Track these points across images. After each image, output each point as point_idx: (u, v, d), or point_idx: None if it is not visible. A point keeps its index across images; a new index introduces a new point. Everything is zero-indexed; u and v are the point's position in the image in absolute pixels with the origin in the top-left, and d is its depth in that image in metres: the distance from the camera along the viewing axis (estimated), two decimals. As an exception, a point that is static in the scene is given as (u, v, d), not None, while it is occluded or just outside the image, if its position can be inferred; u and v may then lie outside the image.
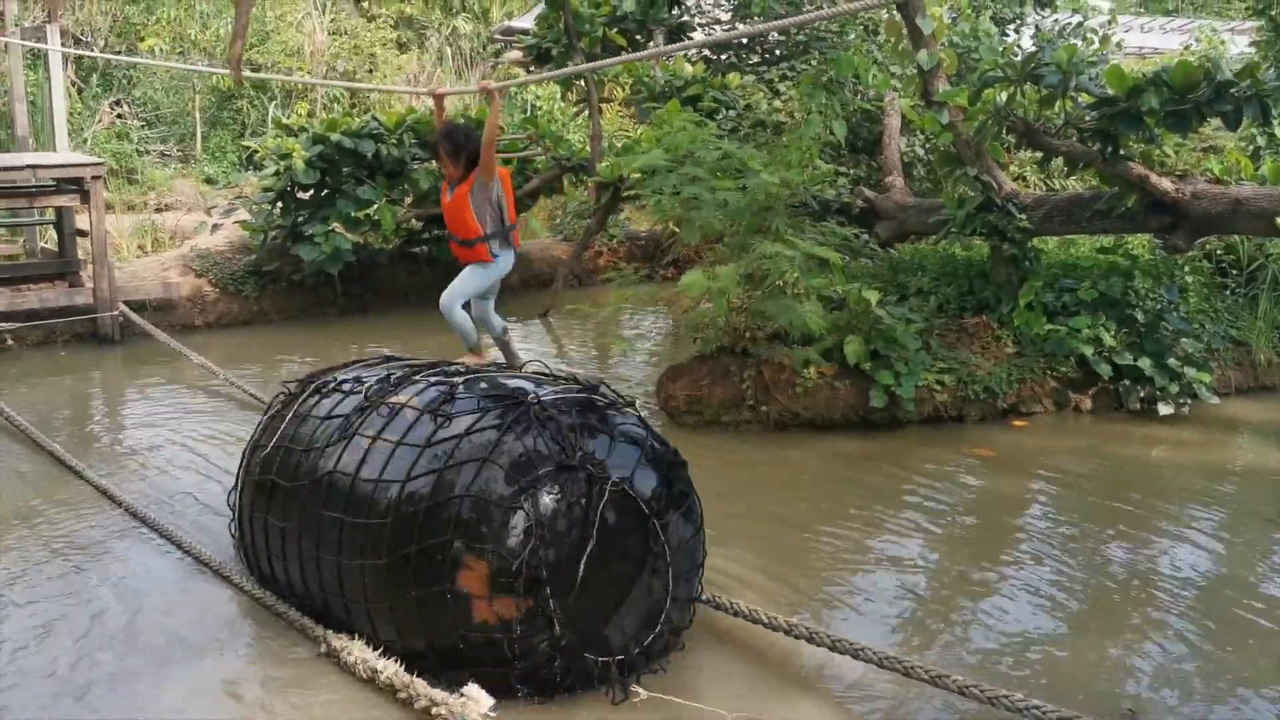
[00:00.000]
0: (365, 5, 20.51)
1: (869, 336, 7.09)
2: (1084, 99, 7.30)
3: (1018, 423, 7.21)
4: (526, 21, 19.90)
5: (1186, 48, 13.83)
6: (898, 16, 7.54)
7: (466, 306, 6.33)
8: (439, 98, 6.78)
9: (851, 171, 9.76)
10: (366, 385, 4.65)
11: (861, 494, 6.12)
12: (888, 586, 4.96)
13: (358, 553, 4.06)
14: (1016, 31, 13.19)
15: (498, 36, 20.98)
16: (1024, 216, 7.54)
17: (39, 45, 9.56)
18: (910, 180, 10.19)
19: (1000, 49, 9.24)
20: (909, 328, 7.15)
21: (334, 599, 4.23)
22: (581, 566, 3.82)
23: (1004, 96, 7.37)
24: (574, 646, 3.84)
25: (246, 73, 7.78)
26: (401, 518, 3.94)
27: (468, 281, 6.24)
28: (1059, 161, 8.84)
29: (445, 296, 6.26)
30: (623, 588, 3.98)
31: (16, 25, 9.64)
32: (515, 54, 20.32)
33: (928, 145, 10.68)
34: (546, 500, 3.85)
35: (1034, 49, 7.93)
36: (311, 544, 4.30)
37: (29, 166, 8.69)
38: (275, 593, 4.60)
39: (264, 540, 4.64)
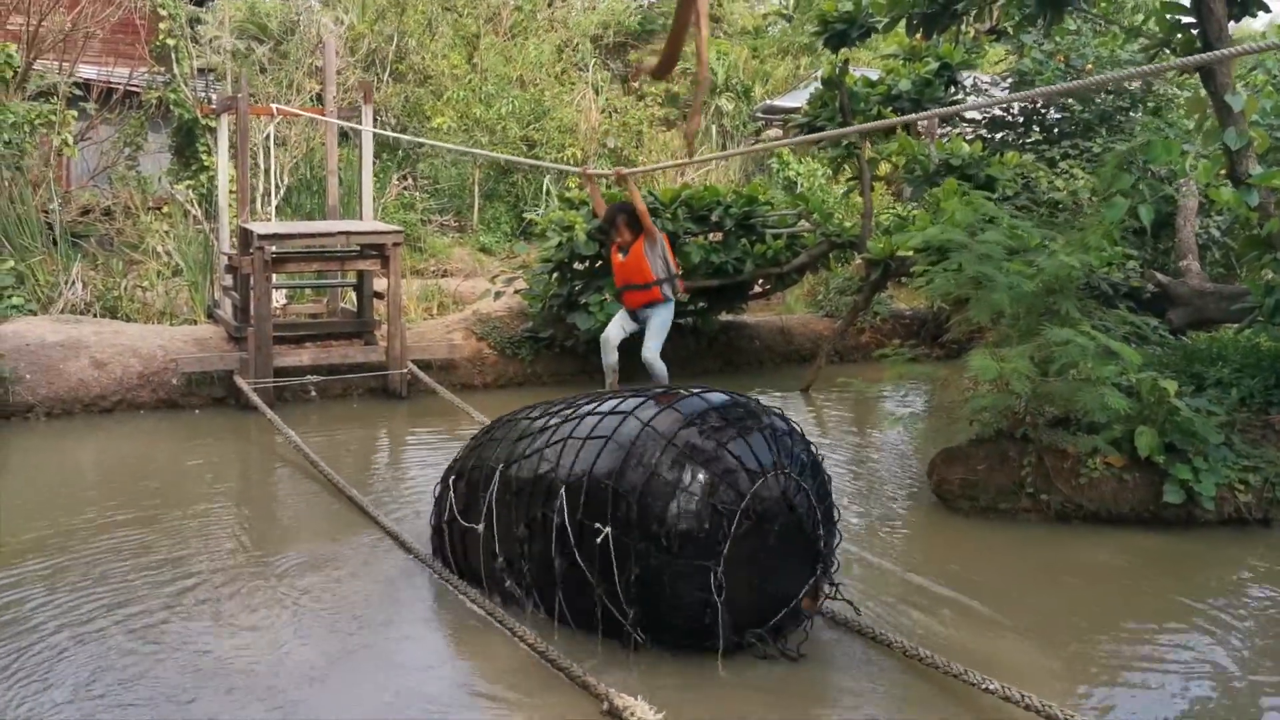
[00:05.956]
0: (635, 85, 21.38)
1: (1163, 428, 6.68)
2: None
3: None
4: (788, 100, 20.21)
5: None
6: (1203, 93, 7.18)
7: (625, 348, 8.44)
8: (590, 177, 9.11)
9: (1138, 254, 9.31)
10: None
11: (1154, 594, 5.73)
12: (1176, 697, 4.61)
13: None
14: (1323, 108, 12.28)
15: (759, 115, 21.38)
16: (1345, 307, 6.96)
17: (355, 126, 10.48)
18: (1202, 265, 9.60)
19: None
20: (1210, 420, 6.70)
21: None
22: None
23: (1326, 178, 6.87)
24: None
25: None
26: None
27: (657, 330, 8.26)
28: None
29: (649, 351, 8.30)
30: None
31: (335, 106, 10.59)
32: (775, 131, 20.65)
33: (1224, 229, 10.06)
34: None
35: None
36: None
37: (341, 233, 9.50)
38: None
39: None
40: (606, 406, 5.11)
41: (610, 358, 8.71)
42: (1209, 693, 4.70)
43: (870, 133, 10.18)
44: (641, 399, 5.06)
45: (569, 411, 5.28)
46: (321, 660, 4.74)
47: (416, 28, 20.53)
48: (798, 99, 18.84)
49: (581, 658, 4.60)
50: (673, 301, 8.41)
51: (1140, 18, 9.83)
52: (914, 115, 6.79)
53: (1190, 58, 6.33)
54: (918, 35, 9.14)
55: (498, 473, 5.19)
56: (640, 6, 24.05)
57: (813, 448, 5.01)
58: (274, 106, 10.79)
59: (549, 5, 22.82)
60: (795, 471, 4.76)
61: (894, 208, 12.97)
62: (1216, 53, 6.10)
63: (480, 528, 5.21)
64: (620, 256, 8.58)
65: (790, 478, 4.73)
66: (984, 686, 4.31)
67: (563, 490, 4.79)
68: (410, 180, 18.69)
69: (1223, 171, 8.02)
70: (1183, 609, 5.53)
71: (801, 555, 4.79)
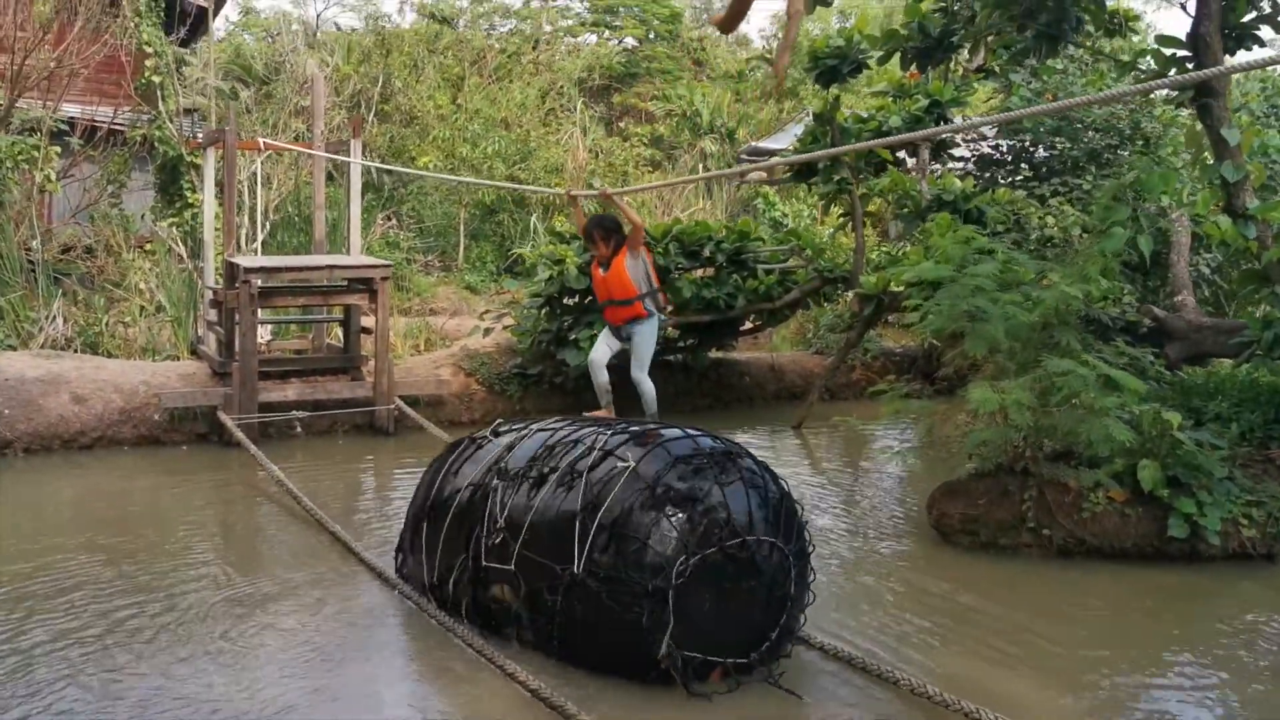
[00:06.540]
0: (622, 125, 21.46)
1: (1166, 462, 6.60)
2: None
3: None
4: (773, 143, 20.31)
5: None
6: (1199, 127, 7.19)
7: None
8: (574, 198, 9.12)
9: (1129, 288, 9.30)
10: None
11: (1163, 630, 5.63)
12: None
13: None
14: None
15: (744, 157, 21.46)
16: (1345, 340, 6.93)
17: (344, 159, 10.39)
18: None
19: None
20: (1213, 454, 6.62)
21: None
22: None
23: (1324, 210, 6.87)
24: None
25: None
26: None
27: (642, 349, 8.12)
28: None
29: (637, 369, 8.17)
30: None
31: (323, 141, 10.52)
32: (760, 175, 20.73)
33: (1214, 266, 10.07)
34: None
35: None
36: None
37: (329, 266, 9.38)
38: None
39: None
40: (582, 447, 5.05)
41: (600, 377, 8.51)
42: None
43: (863, 154, 10.13)
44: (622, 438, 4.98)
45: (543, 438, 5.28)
46: (303, 698, 4.58)
47: (401, 69, 20.58)
48: (782, 141, 18.95)
49: (571, 694, 4.45)
50: (656, 317, 8.16)
51: (1126, 58, 9.88)
52: (906, 136, 6.71)
53: (1188, 75, 6.32)
54: (911, 70, 9.15)
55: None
56: (624, 49, 24.22)
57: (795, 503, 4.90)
58: (261, 140, 10.69)
59: (533, 49, 22.94)
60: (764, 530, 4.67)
61: (881, 246, 12.95)
62: (1214, 69, 6.09)
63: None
64: (601, 271, 8.41)
65: (763, 540, 4.64)
66: (999, 723, 4.18)
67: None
68: (395, 220, 18.63)
69: (1215, 205, 8.02)
70: (1193, 645, 5.42)
71: (757, 616, 4.71)
